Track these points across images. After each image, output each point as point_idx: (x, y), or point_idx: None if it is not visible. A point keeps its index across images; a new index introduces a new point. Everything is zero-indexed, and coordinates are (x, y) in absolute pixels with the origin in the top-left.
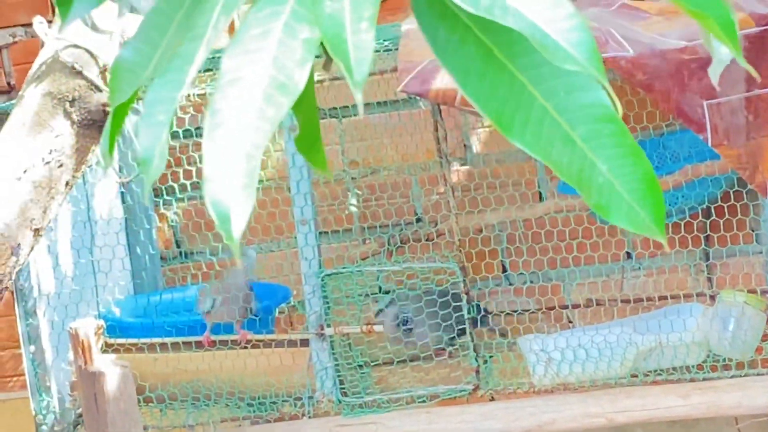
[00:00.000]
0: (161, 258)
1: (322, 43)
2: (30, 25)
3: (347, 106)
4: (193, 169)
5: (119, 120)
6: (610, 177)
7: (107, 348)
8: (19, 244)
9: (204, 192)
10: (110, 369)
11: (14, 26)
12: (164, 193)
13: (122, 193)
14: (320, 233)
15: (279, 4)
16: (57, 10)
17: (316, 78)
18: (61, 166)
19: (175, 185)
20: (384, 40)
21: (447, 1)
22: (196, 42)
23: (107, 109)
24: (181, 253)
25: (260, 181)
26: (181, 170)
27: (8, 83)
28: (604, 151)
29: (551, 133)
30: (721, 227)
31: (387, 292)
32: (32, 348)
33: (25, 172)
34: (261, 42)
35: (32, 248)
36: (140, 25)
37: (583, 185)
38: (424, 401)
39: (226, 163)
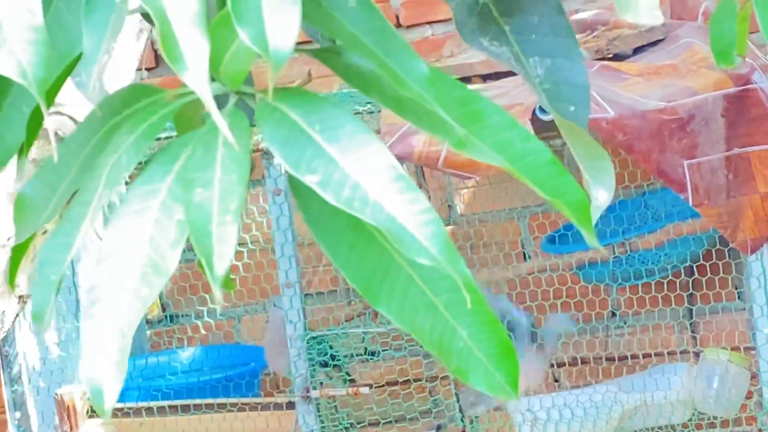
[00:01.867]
0: (147, 322)
1: None
2: None
3: None
4: None
5: (18, 258)
6: (470, 342)
7: (93, 413)
8: (3, 311)
9: (80, 367)
10: None
11: None
12: None
13: None
14: (305, 295)
15: (158, 182)
16: None
17: None
18: (45, 232)
19: None
20: (367, 103)
21: None
22: (83, 207)
23: None
24: (166, 317)
25: (245, 244)
26: None
27: None
28: (464, 318)
29: (415, 301)
30: (704, 285)
31: (373, 354)
32: (18, 414)
33: (9, 239)
34: (139, 219)
35: (17, 315)
36: (43, 166)
37: (443, 350)
38: None
39: (100, 340)
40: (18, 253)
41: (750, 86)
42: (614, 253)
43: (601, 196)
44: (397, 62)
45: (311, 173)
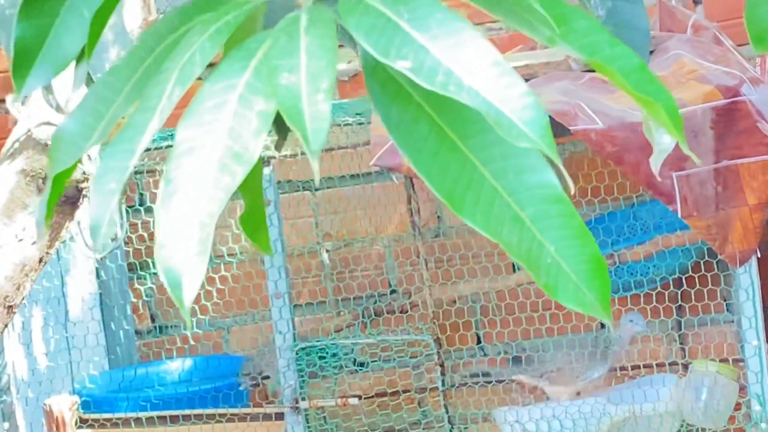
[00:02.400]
0: (136, 333)
1: (273, 123)
2: (3, 101)
3: (321, 179)
4: None
5: (58, 189)
6: (558, 258)
7: (82, 423)
8: None
9: (156, 258)
10: None
11: None
12: (139, 268)
13: (97, 268)
14: (294, 306)
15: (235, 77)
16: (13, 82)
17: (289, 152)
18: (34, 243)
19: (150, 260)
20: (356, 114)
21: (400, 80)
22: (149, 113)
23: (81, 186)
24: (156, 327)
25: (234, 255)
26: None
27: None
28: (552, 232)
29: (501, 213)
30: (693, 297)
31: (362, 365)
32: (6, 425)
33: None
34: (216, 113)
35: (6, 325)
36: (86, 96)
37: (532, 265)
38: None
39: (180, 230)
40: (57, 183)
41: (739, 98)
42: None
43: (666, 139)
44: None
45: (402, 59)
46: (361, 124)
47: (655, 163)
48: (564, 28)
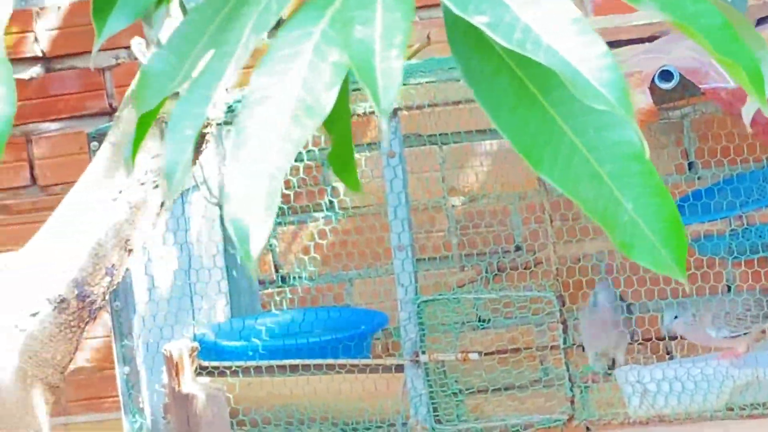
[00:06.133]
0: (259, 282)
1: None
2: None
3: (447, 133)
4: (291, 193)
5: (144, 129)
6: (635, 216)
7: (201, 371)
8: (113, 265)
9: (224, 210)
10: (204, 392)
11: (117, 48)
12: None
13: (221, 215)
14: (417, 260)
15: (311, 26)
16: (93, 23)
17: (416, 103)
18: (157, 187)
19: None
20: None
21: (482, 33)
22: (225, 59)
23: (205, 130)
24: (278, 277)
25: (358, 207)
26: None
27: (110, 105)
28: (630, 189)
29: (579, 169)
30: None
31: (484, 320)
32: (126, 369)
33: (120, 192)
34: (291, 62)
35: (126, 268)
36: (171, 36)
37: (608, 222)
38: (518, 430)
39: (249, 183)
40: (145, 121)
41: None
42: (731, 226)
43: None
44: None
45: (480, 14)
46: None
47: (747, 115)
48: None
